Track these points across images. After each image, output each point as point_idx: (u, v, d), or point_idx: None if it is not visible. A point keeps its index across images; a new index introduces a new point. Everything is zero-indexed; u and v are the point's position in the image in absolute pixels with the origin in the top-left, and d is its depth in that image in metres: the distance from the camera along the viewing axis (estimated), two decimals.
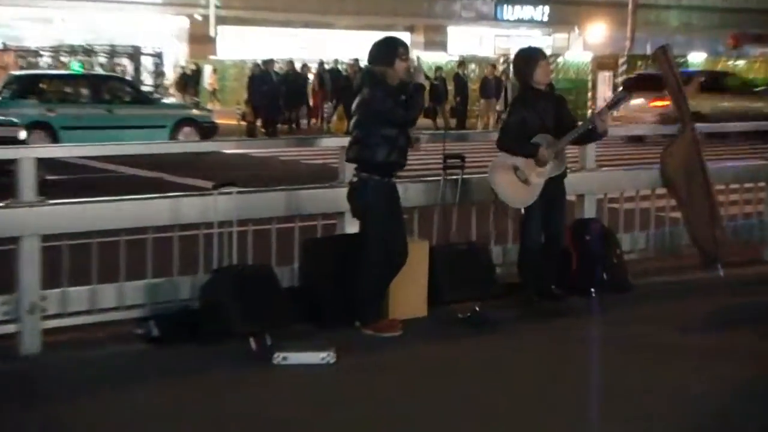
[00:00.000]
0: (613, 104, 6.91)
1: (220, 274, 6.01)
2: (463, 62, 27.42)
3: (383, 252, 6.07)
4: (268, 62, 24.45)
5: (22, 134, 14.17)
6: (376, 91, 5.95)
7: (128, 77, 26.16)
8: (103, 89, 18.89)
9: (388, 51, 6.04)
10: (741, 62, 35.67)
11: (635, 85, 21.24)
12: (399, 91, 5.99)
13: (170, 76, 35.35)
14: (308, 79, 25.98)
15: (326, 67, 27.96)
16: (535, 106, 6.58)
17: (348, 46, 38.51)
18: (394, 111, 5.94)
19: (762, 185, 8.85)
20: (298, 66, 27.08)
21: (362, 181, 6.07)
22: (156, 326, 5.94)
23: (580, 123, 6.75)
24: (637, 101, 20.68)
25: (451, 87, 26.13)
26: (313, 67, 28.37)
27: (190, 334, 5.85)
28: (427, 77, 6.18)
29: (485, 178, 6.92)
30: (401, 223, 6.25)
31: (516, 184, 6.57)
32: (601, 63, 29.17)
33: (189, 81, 34.09)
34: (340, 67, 27.18)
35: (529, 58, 6.68)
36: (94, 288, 6.10)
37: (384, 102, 5.92)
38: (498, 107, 26.91)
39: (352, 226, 6.60)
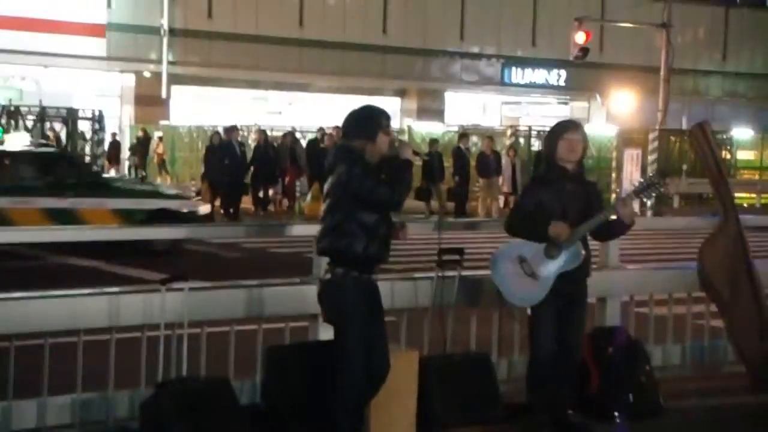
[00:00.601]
0: (641, 190, 6.96)
1: (166, 389, 5.97)
2: (465, 134, 27.56)
3: (363, 364, 6.04)
4: (230, 130, 24.49)
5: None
6: (354, 168, 6.00)
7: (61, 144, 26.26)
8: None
9: (369, 123, 6.10)
10: None
11: None
12: (380, 170, 6.06)
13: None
14: (291, 150, 26.12)
15: (298, 136, 28.21)
16: (557, 188, 6.65)
17: (327, 111, 38.94)
18: (376, 191, 5.96)
19: None
20: (277, 134, 27.21)
21: (337, 278, 6.07)
22: None
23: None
24: None
25: (448, 164, 26.32)
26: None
27: None
28: (416, 152, 6.22)
29: (488, 274, 6.96)
30: (382, 329, 6.23)
31: (521, 278, 6.61)
32: (628, 138, 29.52)
33: (135, 150, 34.33)
34: (316, 136, 27.38)
35: (554, 129, 6.85)
36: (8, 404, 6.03)
37: (364, 181, 5.97)
38: (504, 189, 27.11)
39: (327, 331, 6.60)
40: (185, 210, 16.57)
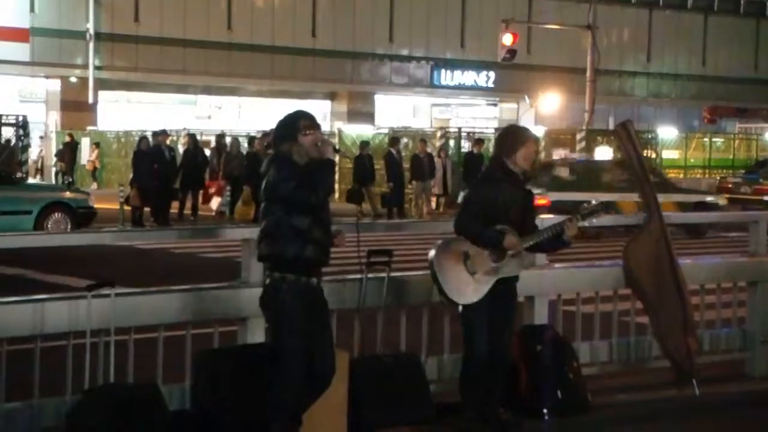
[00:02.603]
0: (587, 214, 7.03)
1: (93, 396, 5.91)
2: (396, 139, 27.28)
3: (301, 369, 6.00)
4: (160, 134, 24.34)
5: None
6: (280, 172, 6.01)
7: None
8: None
9: (289, 128, 6.16)
10: (718, 139, 37.01)
11: None
12: (308, 170, 6.07)
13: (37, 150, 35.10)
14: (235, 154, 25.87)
15: (228, 140, 28.04)
16: (501, 189, 6.68)
17: (258, 115, 38.77)
18: (297, 193, 5.97)
19: (743, 285, 9.05)
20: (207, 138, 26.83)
21: (274, 283, 6.06)
22: None
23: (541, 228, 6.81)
24: None
25: (379, 165, 26.28)
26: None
27: None
28: (336, 150, 6.23)
29: (416, 276, 6.95)
30: (327, 333, 6.22)
31: (462, 274, 6.62)
32: (556, 139, 29.85)
33: (63, 156, 33.92)
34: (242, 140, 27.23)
35: (516, 134, 6.91)
36: None
37: (285, 183, 5.98)
38: (435, 190, 27.18)
39: (257, 335, 6.57)
40: None
